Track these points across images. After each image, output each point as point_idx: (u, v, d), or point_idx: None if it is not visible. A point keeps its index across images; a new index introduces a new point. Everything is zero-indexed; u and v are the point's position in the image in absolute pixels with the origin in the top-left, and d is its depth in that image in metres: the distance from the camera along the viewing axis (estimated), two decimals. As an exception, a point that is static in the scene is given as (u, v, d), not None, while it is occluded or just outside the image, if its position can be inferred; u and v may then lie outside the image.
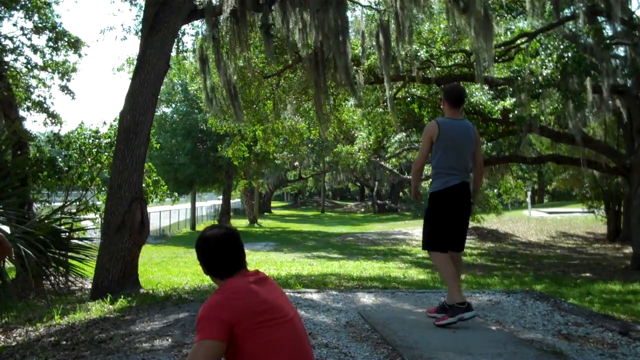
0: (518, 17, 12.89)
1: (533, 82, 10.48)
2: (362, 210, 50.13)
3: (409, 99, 13.54)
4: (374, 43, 9.37)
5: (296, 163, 31.44)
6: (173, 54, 10.10)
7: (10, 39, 11.87)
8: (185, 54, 12.82)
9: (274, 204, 55.24)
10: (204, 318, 1.93)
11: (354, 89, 8.82)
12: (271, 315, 1.96)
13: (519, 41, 11.95)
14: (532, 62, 11.10)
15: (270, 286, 2.10)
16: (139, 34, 8.03)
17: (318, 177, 47.34)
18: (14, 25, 18.72)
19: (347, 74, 7.66)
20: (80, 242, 6.20)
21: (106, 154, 10.12)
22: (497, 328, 4.14)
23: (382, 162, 18.68)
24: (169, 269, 12.25)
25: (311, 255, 15.20)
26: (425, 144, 4.25)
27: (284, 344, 1.95)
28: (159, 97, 7.41)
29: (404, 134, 15.28)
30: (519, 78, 10.88)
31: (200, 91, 13.12)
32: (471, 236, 20.66)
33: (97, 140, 10.30)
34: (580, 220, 24.56)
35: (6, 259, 4.55)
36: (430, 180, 4.50)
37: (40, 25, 12.02)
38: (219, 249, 2.09)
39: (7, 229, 4.81)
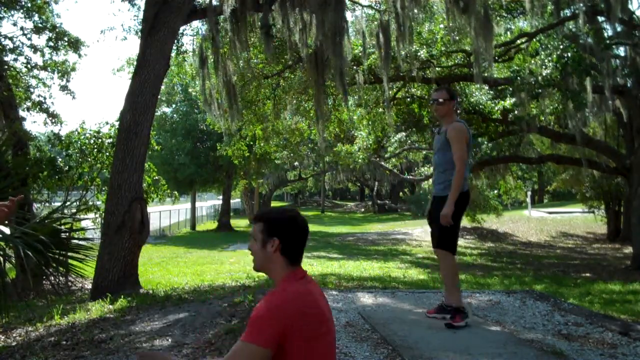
0: (518, 17, 12.90)
1: (533, 82, 10.49)
2: (362, 210, 50.16)
3: (408, 99, 13.55)
4: (374, 43, 9.37)
5: (296, 163, 31.42)
6: (173, 54, 10.10)
7: (10, 39, 11.89)
8: (185, 54, 12.84)
9: (274, 204, 55.16)
10: (259, 319, 1.82)
11: (345, 94, 8.79)
12: (324, 328, 1.91)
13: (519, 41, 11.95)
14: (532, 62, 11.10)
15: (317, 288, 2.03)
16: (139, 34, 8.03)
17: (318, 177, 47.35)
18: (14, 25, 18.77)
19: (340, 78, 7.64)
20: (80, 242, 6.20)
21: (107, 154, 10.11)
22: (497, 328, 4.14)
23: (382, 162, 18.65)
24: (169, 269, 12.23)
25: (311, 255, 15.17)
26: (463, 146, 4.12)
27: (324, 351, 1.92)
28: (159, 97, 7.41)
29: (404, 134, 15.28)
30: (518, 78, 10.88)
31: (200, 92, 13.11)
32: (471, 236, 20.66)
33: (98, 141, 10.30)
34: (580, 220, 24.57)
35: (6, 260, 4.56)
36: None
37: (40, 25, 12.04)
38: (302, 233, 2.04)
39: (7, 229, 4.81)
